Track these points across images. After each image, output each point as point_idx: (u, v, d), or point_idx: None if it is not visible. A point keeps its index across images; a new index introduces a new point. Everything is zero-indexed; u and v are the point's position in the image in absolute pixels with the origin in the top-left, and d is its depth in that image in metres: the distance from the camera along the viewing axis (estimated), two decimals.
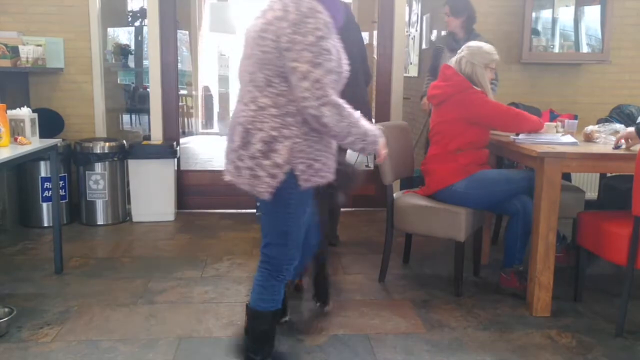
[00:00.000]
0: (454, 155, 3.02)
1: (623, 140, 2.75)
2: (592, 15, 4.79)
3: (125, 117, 6.62)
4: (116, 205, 4.44)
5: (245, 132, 1.90)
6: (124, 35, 6.77)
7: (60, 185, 4.13)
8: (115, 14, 6.17)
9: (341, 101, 1.84)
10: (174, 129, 4.82)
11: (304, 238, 2.11)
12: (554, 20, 4.86)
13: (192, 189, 4.88)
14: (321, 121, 1.81)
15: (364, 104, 3.45)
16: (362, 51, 3.66)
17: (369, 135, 1.93)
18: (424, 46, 6.24)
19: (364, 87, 3.70)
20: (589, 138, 3.09)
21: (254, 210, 4.75)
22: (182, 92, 8.66)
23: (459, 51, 3.13)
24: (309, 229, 2.18)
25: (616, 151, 2.75)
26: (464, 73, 3.02)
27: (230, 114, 10.86)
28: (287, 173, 1.89)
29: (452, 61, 3.11)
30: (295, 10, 1.79)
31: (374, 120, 4.31)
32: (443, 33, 4.89)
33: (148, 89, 4.87)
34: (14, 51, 4.08)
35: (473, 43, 3.14)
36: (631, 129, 2.75)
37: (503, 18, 4.69)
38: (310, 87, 1.77)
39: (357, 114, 1.90)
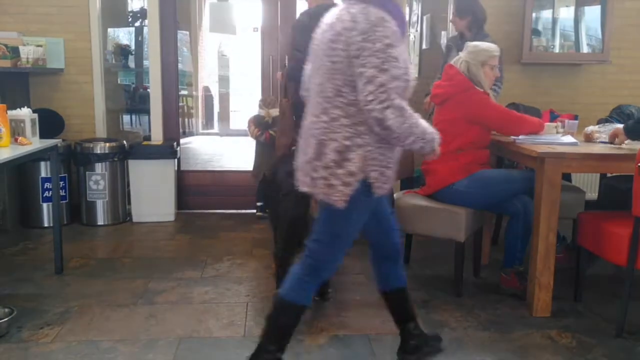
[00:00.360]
0: (455, 155, 3.01)
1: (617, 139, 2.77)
2: (592, 15, 4.80)
3: (126, 118, 6.61)
4: (116, 206, 4.44)
5: (319, 144, 1.93)
6: (124, 35, 6.76)
7: (61, 186, 4.13)
8: (116, 14, 6.16)
9: (404, 104, 1.86)
10: (174, 129, 4.83)
11: (385, 238, 2.26)
12: (554, 21, 4.86)
13: (192, 189, 4.88)
14: (384, 124, 1.82)
15: None
16: None
17: (427, 133, 1.95)
18: (424, 46, 6.23)
19: None
20: (589, 138, 3.09)
21: (254, 211, 4.75)
22: (182, 92, 8.65)
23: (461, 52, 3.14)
24: (391, 228, 2.28)
25: (616, 151, 2.76)
26: (462, 72, 3.02)
27: (230, 115, 10.75)
28: (360, 181, 1.91)
29: (453, 61, 3.11)
30: (364, 20, 1.83)
31: None
32: (452, 33, 4.89)
33: (148, 89, 4.87)
34: (14, 51, 4.09)
35: (472, 42, 3.14)
36: (620, 126, 2.76)
37: (503, 18, 4.68)
38: (374, 91, 1.80)
39: (417, 115, 1.91)
